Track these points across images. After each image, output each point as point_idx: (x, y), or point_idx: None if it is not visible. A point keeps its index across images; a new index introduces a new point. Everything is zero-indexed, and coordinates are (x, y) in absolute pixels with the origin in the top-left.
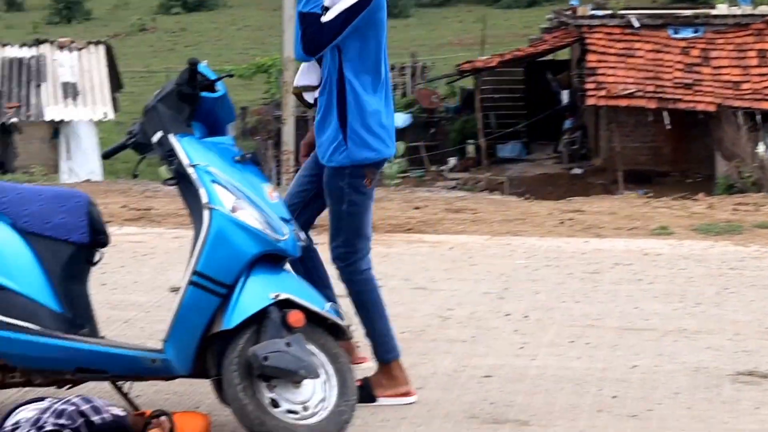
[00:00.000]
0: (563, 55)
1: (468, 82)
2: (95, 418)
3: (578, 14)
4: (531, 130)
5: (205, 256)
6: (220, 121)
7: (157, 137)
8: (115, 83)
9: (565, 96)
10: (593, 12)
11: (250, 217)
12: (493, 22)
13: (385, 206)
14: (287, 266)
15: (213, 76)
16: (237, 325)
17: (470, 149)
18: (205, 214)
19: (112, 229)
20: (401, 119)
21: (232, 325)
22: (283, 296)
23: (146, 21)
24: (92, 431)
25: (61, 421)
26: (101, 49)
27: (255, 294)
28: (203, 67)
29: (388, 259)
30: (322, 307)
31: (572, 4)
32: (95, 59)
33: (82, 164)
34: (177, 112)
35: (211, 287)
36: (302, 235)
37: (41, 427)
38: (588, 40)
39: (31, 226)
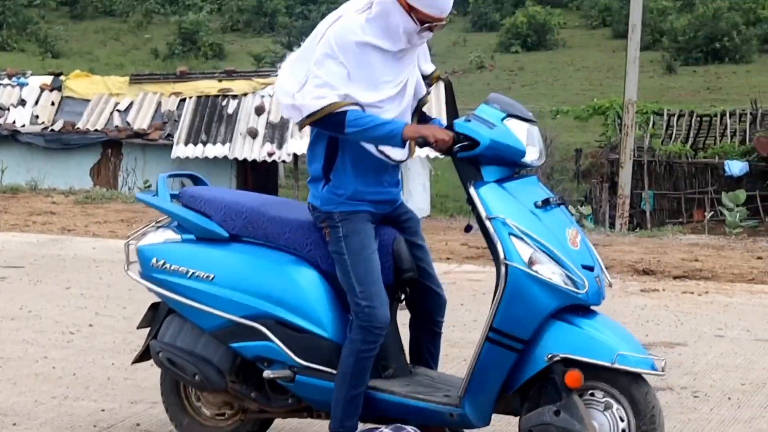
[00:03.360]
0: None
1: None
2: None
3: None
4: None
5: (502, 312)
6: (509, 160)
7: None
8: (453, 119)
9: None
10: None
11: (548, 270)
12: None
13: (727, 255)
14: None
15: (471, 133)
16: (519, 387)
17: None
18: (502, 269)
19: (451, 267)
20: (738, 167)
21: (512, 391)
22: (559, 356)
23: (485, 59)
24: None
25: None
26: (441, 84)
27: (537, 354)
28: (459, 125)
29: (729, 309)
30: (610, 359)
31: None
32: (434, 95)
33: (412, 200)
34: (468, 163)
35: (508, 343)
36: (608, 279)
37: None
38: None
39: (335, 269)
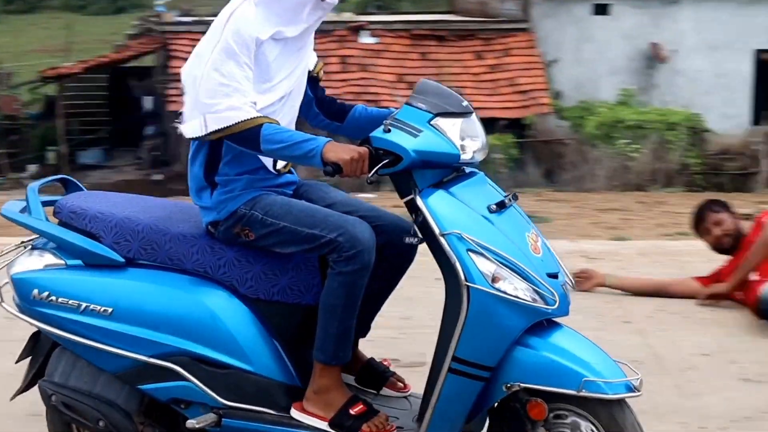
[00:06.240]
0: (150, 61)
1: (53, 89)
2: None
3: (163, 20)
4: (114, 137)
5: (465, 339)
6: (443, 164)
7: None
8: None
9: (148, 102)
10: (179, 18)
11: (513, 287)
12: (80, 28)
13: None
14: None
15: (392, 147)
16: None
17: (51, 156)
18: (463, 292)
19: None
20: None
21: (472, 421)
22: (518, 386)
23: None
24: None
25: None
26: None
27: (497, 382)
28: (377, 138)
29: None
30: (575, 387)
31: (158, 11)
32: None
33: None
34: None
35: (473, 372)
36: (570, 283)
37: None
38: (172, 47)
39: (255, 292)
